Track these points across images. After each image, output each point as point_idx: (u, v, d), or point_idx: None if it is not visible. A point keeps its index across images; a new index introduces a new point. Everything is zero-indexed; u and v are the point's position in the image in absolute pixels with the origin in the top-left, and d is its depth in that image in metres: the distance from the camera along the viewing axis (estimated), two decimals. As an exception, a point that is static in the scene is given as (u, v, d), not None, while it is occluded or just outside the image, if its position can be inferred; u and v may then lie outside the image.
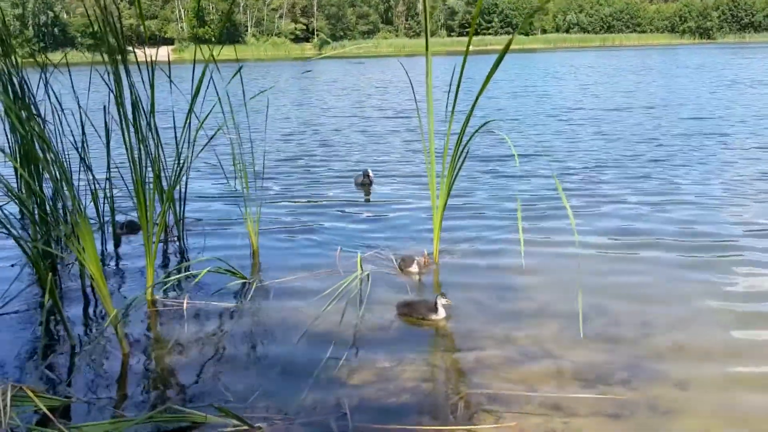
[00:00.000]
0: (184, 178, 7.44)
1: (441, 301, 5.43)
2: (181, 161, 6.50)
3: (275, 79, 39.06)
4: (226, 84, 6.51)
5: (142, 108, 6.27)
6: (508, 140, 6.40)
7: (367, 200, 9.49)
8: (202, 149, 7.17)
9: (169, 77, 6.65)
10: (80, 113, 7.12)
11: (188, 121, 6.40)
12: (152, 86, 6.28)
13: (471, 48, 6.23)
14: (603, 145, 13.54)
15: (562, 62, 51.33)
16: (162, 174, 6.45)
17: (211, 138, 7.11)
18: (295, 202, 9.53)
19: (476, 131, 6.29)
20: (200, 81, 6.44)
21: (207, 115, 6.72)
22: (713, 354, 4.82)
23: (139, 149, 6.04)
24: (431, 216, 6.99)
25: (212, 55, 6.51)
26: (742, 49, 64.46)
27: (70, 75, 7.17)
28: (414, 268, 6.37)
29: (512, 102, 22.60)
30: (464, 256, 6.90)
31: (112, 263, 7.05)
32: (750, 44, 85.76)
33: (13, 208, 8.13)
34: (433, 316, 5.44)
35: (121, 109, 5.89)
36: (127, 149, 6.06)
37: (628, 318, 5.41)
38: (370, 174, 10.21)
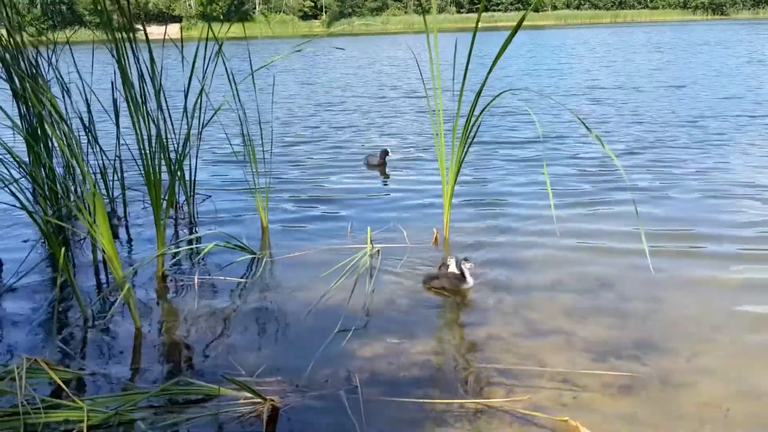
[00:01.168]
0: (193, 155, 7.59)
1: (466, 267, 5.39)
2: (189, 136, 6.55)
3: (284, 57, 38.46)
4: (228, 59, 6.68)
5: (149, 84, 6.32)
6: (530, 113, 6.28)
7: (384, 180, 9.47)
8: (208, 121, 7.12)
9: (181, 53, 6.71)
10: (84, 90, 7.20)
11: (189, 97, 6.50)
12: (152, 61, 6.27)
13: (481, 25, 6.14)
14: (636, 127, 12.86)
15: (576, 39, 50.21)
16: (170, 149, 6.39)
17: (215, 113, 7.08)
18: (306, 180, 9.53)
19: (487, 106, 6.22)
20: (194, 57, 6.48)
21: (197, 96, 6.75)
22: (725, 328, 4.80)
23: (147, 123, 6.05)
24: (440, 198, 7.03)
25: (213, 35, 6.51)
26: (759, 25, 63.18)
27: (71, 52, 7.18)
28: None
29: (529, 81, 21.74)
30: (475, 234, 6.87)
31: (124, 239, 7.11)
32: (765, 20, 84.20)
33: (25, 185, 8.16)
34: (465, 285, 5.42)
35: (127, 86, 5.88)
36: (133, 123, 6.06)
37: (639, 293, 5.38)
38: (389, 153, 10.13)
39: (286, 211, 7.90)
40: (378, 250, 6.28)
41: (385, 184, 9.24)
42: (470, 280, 5.41)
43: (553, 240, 6.51)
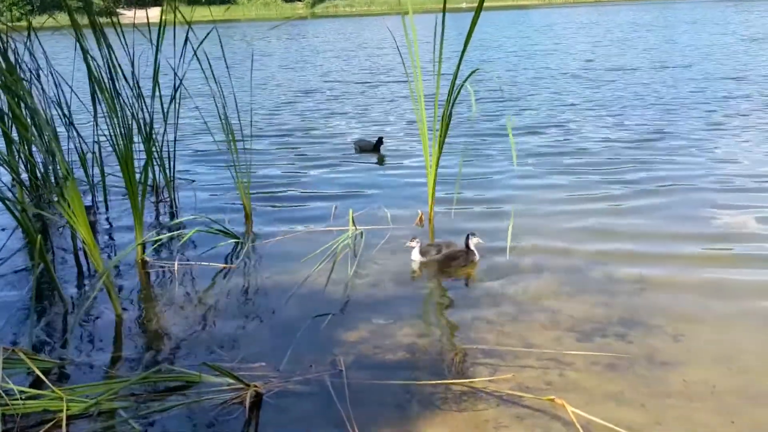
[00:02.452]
0: (171, 137, 7.48)
1: (473, 242, 5.50)
2: (165, 119, 6.53)
3: (267, 40, 38.29)
4: (198, 43, 6.51)
5: (125, 70, 6.24)
6: (471, 95, 6.22)
7: (374, 165, 9.38)
8: (174, 101, 7.04)
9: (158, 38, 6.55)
10: (58, 77, 7.08)
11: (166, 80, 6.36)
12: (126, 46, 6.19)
13: (464, 5, 6.02)
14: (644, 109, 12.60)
15: (563, 19, 49.84)
16: (145, 132, 6.37)
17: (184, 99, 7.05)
18: (290, 164, 9.44)
19: (462, 85, 6.09)
20: (158, 39, 6.40)
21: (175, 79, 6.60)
22: (710, 304, 4.80)
23: (121, 108, 5.99)
24: (424, 179, 6.97)
25: (186, 19, 6.43)
26: (742, 2, 63.14)
27: (34, 38, 7.07)
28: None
29: (515, 62, 21.46)
30: (460, 216, 6.84)
31: (104, 225, 7.04)
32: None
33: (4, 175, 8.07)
34: (475, 258, 5.53)
35: (105, 71, 5.83)
36: (108, 108, 5.97)
37: (624, 272, 5.36)
38: (382, 139, 10.03)
39: (269, 196, 7.83)
40: (361, 232, 6.28)
41: (373, 170, 9.18)
42: (476, 254, 5.51)
43: (539, 222, 6.52)
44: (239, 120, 7.44)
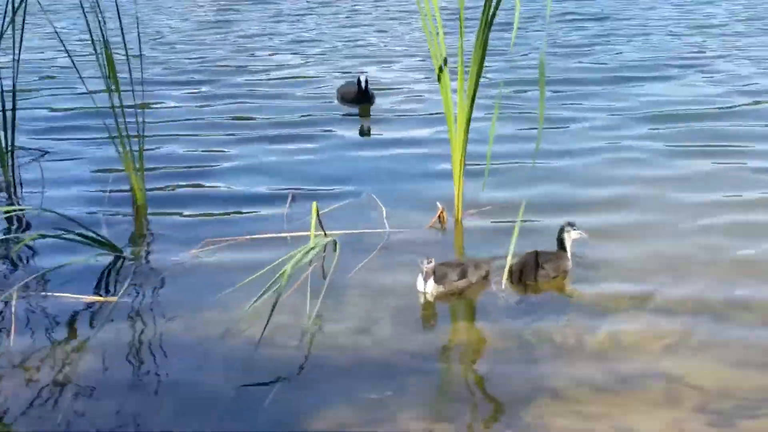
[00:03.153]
0: (7, 83, 7.37)
1: (571, 237, 5.69)
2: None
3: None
4: None
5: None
6: None
7: (363, 125, 9.49)
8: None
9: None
10: None
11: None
12: None
13: None
14: None
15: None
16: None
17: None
18: (214, 128, 9.40)
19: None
20: None
21: None
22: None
23: None
24: (449, 151, 6.80)
25: None
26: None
27: None
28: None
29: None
30: (503, 212, 6.70)
31: None
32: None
33: None
34: (567, 266, 5.74)
35: None
36: None
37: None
38: (361, 81, 9.97)
39: (179, 184, 7.72)
40: (334, 242, 5.98)
41: (358, 136, 9.22)
42: (570, 259, 5.77)
43: (653, 230, 6.49)
44: (126, 53, 6.94)
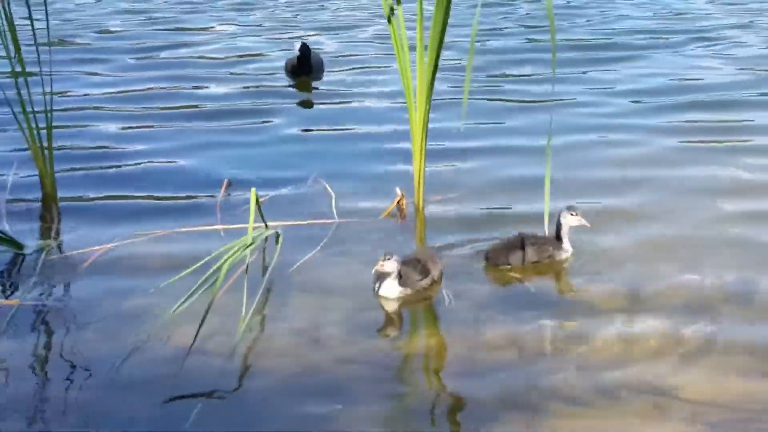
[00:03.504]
0: None
1: (569, 223, 5.70)
2: None
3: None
4: None
5: None
6: None
7: (301, 98, 9.51)
8: None
9: None
10: None
11: None
12: None
13: None
14: None
15: None
16: None
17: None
18: (138, 102, 9.37)
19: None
20: None
21: None
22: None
23: None
24: (407, 130, 6.81)
25: None
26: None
27: None
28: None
29: None
30: (469, 198, 6.81)
31: None
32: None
33: None
34: (561, 255, 5.77)
35: None
36: None
37: None
38: (296, 48, 9.99)
39: (95, 160, 7.70)
40: (277, 233, 5.79)
41: (304, 113, 9.18)
42: (568, 246, 5.72)
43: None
44: (29, 8, 6.83)
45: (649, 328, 4.92)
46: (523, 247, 5.62)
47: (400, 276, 5.38)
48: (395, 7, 6.45)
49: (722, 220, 6.31)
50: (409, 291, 5.38)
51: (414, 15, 6.62)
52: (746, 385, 4.54)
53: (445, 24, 6.27)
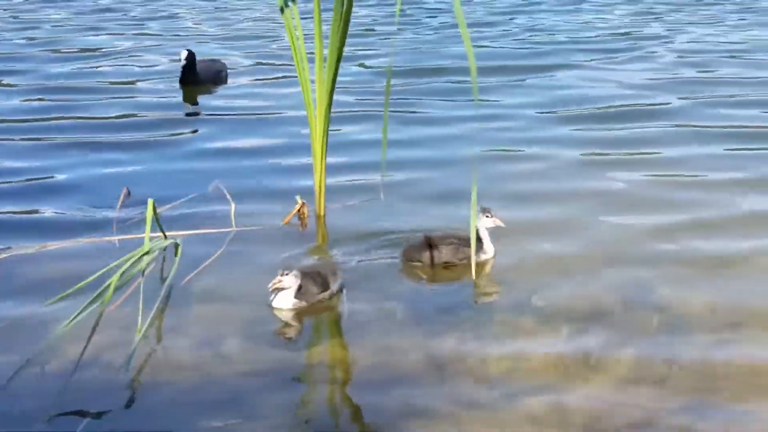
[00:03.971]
0: None
1: (486, 224, 5.73)
2: None
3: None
4: None
5: None
6: None
7: (190, 107, 9.48)
8: None
9: None
10: None
11: None
12: None
13: None
14: None
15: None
16: None
17: None
18: (32, 113, 9.41)
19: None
20: None
21: None
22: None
23: None
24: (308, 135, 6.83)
25: None
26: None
27: None
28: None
29: None
30: (369, 209, 6.82)
31: None
32: None
33: None
34: (482, 256, 5.78)
35: None
36: None
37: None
38: (182, 56, 9.95)
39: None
40: (176, 244, 5.84)
41: (201, 119, 9.21)
42: (490, 248, 5.73)
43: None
44: None
45: (547, 338, 4.95)
46: (435, 246, 5.66)
47: (299, 288, 5.37)
48: (294, 20, 6.47)
49: (619, 234, 6.39)
50: (303, 303, 5.37)
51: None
52: (640, 391, 4.58)
53: (343, 38, 6.29)
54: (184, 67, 9.75)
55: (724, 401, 4.49)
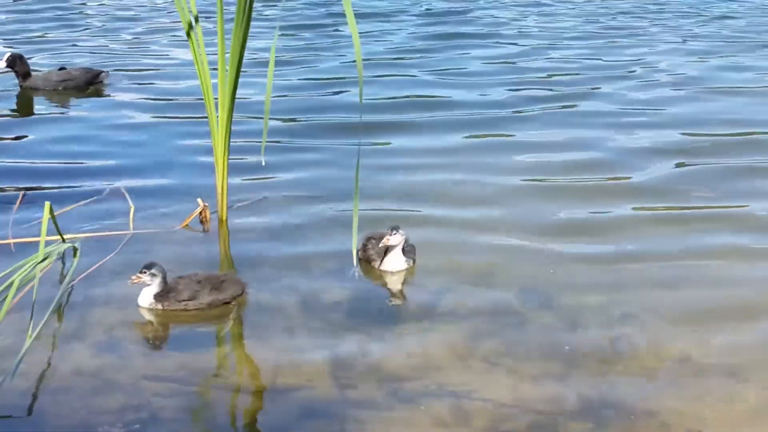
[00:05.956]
0: None
1: (392, 240, 5.78)
2: None
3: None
4: None
5: None
6: None
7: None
8: None
9: None
10: None
11: None
12: None
13: None
14: None
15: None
16: None
17: None
18: None
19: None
20: None
21: None
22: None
23: None
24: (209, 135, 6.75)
25: None
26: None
27: None
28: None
29: None
30: (274, 210, 6.81)
31: None
32: None
33: None
34: (381, 267, 5.92)
35: None
36: None
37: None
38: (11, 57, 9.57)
39: None
40: (74, 247, 5.76)
41: (95, 118, 9.00)
42: (398, 262, 5.83)
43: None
44: None
45: (451, 338, 4.98)
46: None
47: (169, 291, 5.33)
48: (194, 24, 6.39)
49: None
50: (159, 306, 5.34)
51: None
52: (543, 389, 4.62)
53: (244, 42, 6.26)
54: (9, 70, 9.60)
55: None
